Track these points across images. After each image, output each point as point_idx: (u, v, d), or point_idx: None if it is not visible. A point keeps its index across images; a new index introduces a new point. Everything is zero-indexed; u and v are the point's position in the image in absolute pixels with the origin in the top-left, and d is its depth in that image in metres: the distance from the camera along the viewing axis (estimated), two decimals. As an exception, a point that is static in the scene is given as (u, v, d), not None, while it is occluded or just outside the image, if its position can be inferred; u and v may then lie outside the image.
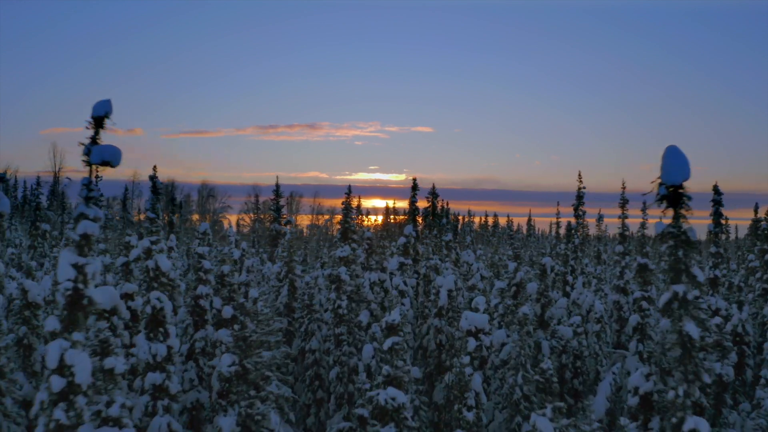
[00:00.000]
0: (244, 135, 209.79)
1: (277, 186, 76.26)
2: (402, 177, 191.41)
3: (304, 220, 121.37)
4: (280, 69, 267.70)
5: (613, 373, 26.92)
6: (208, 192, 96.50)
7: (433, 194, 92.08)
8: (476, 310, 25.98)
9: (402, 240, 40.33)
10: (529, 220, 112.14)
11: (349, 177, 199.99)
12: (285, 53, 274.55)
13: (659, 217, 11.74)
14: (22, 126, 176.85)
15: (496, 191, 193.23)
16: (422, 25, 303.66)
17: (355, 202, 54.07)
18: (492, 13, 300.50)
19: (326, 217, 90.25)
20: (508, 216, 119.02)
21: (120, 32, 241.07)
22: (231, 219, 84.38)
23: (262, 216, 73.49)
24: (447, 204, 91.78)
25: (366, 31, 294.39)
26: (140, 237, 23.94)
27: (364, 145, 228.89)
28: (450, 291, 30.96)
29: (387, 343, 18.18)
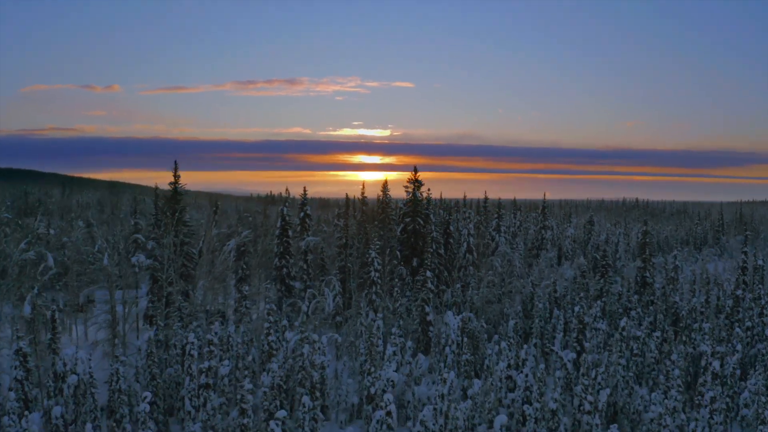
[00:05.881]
0: (223, 90, 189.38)
1: (176, 173, 51.35)
2: (386, 132, 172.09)
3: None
4: (256, 23, 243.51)
5: None
6: None
7: (415, 182, 67.58)
8: None
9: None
10: (544, 208, 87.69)
11: (333, 133, 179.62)
12: (260, 7, 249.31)
13: None
14: (1, 84, 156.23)
15: (478, 147, 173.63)
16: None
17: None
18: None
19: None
20: (514, 200, 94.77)
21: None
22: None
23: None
24: (430, 192, 68.10)
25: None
26: None
27: (345, 100, 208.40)
28: None
29: None
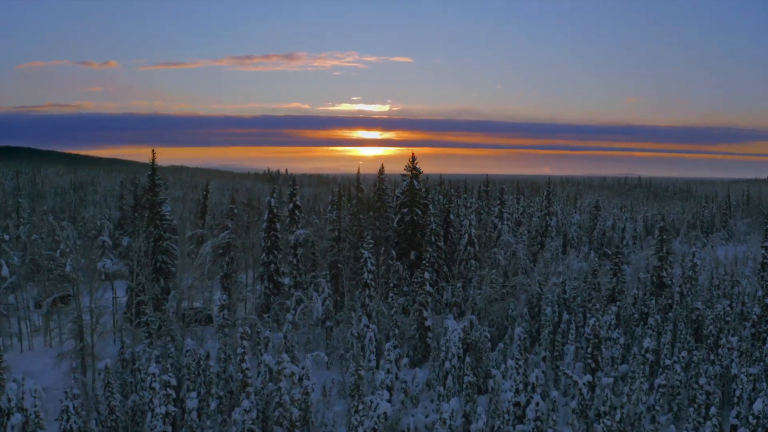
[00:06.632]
0: (220, 66, 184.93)
1: (154, 164, 47.46)
2: (385, 108, 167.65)
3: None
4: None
5: None
6: None
7: (413, 169, 64.13)
8: None
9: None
10: (549, 193, 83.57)
11: (332, 108, 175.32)
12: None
13: None
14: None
15: (478, 122, 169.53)
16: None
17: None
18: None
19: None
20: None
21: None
22: None
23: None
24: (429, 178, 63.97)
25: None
26: None
27: (343, 75, 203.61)
28: None
29: None
